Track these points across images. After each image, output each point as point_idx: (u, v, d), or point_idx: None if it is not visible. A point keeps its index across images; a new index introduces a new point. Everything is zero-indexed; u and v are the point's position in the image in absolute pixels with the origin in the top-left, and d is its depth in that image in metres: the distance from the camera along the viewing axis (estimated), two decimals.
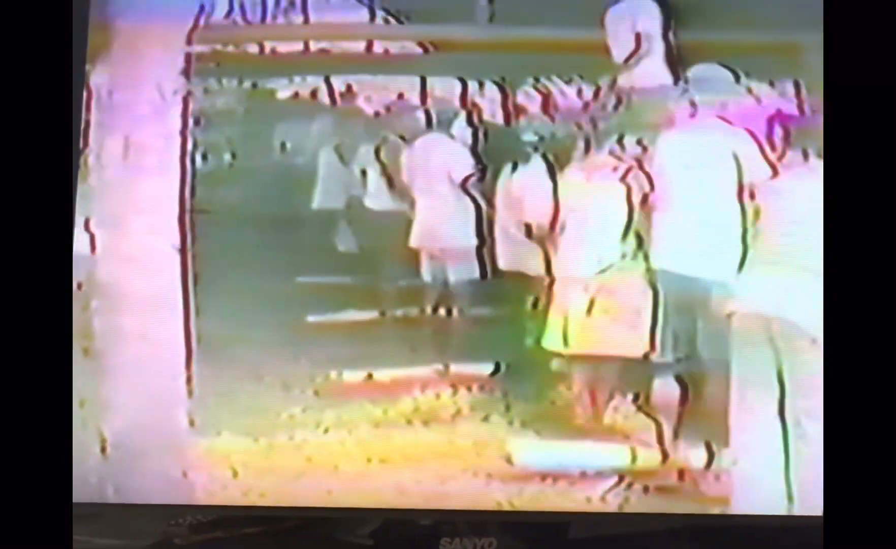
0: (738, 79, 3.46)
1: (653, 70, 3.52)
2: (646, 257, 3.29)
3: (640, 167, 3.34)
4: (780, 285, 3.09)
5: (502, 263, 3.45)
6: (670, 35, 3.44)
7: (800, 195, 3.14)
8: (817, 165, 3.20)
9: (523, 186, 3.50)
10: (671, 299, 3.24)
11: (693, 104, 3.35)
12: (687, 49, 3.49)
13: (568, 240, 3.40)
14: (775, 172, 3.21)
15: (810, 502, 3.05)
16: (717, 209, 3.19)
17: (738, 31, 3.50)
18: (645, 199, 3.30)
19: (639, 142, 3.37)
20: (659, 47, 3.51)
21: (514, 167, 3.52)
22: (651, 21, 3.52)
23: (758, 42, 3.51)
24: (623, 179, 3.34)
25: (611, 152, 3.41)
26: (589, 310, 3.31)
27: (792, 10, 3.47)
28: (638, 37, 3.52)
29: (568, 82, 3.58)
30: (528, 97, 3.70)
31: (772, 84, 3.48)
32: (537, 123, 3.59)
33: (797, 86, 3.49)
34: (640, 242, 3.29)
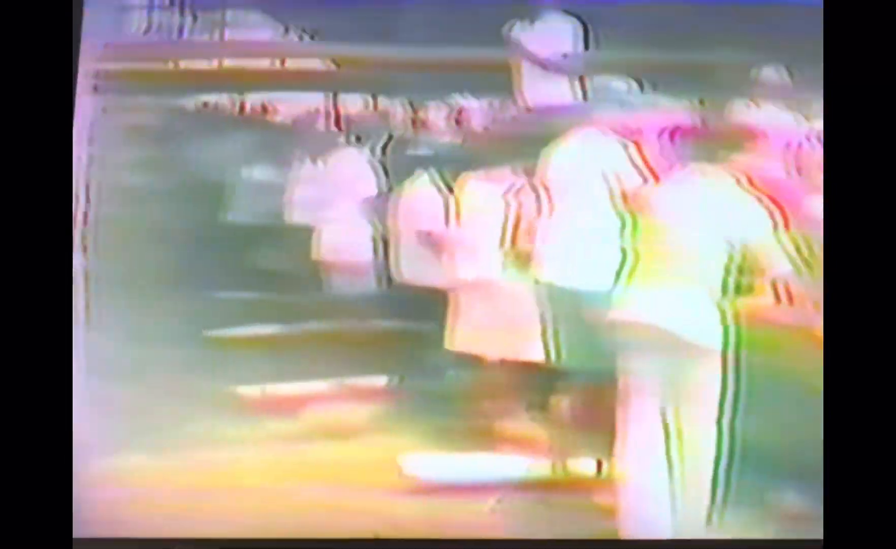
0: (642, 91, 3.44)
1: (554, 87, 3.50)
2: (533, 268, 3.24)
3: (531, 182, 3.30)
4: (659, 294, 3.02)
5: (400, 277, 3.41)
6: (578, 53, 3.43)
7: (680, 205, 3.08)
8: (705, 177, 3.14)
9: (420, 200, 3.46)
10: (558, 308, 3.18)
11: (590, 119, 3.31)
12: (594, 66, 3.47)
13: (462, 251, 3.35)
14: (657, 182, 3.16)
15: (695, 509, 2.97)
16: (600, 220, 3.13)
17: (647, 49, 3.48)
18: (537, 211, 3.27)
19: (533, 157, 3.34)
20: (564, 65, 3.49)
21: (414, 181, 3.49)
22: (560, 40, 3.49)
23: (667, 61, 3.49)
24: (514, 194, 3.30)
25: (508, 167, 3.38)
26: (480, 319, 3.26)
27: (704, 29, 3.46)
28: (541, 54, 3.50)
29: (471, 99, 3.58)
30: (435, 113, 3.69)
31: (677, 98, 3.45)
32: (439, 138, 3.57)
33: (701, 102, 3.48)
34: (528, 253, 3.25)
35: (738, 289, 2.97)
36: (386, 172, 3.61)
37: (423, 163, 3.52)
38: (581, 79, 3.54)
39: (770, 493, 3.05)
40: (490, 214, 3.30)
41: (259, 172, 3.67)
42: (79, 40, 3.38)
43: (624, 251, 3.05)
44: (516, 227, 3.26)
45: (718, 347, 2.92)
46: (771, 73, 3.41)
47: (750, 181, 3.01)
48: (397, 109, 3.71)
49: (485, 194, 3.31)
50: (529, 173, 3.30)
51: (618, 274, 3.04)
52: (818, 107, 3.45)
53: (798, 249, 3.00)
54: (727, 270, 2.95)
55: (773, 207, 2.99)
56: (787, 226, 2.96)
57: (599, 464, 3.06)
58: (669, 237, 3.00)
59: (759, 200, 3.00)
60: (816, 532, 2.79)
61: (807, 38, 3.38)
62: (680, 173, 3.08)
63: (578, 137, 3.22)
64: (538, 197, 3.24)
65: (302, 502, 3.04)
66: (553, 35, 3.56)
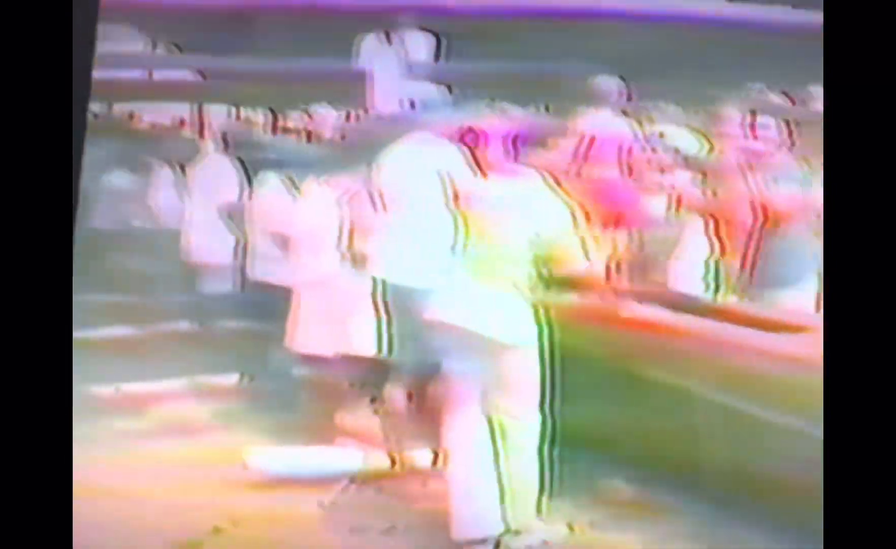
0: (492, 102, 3.52)
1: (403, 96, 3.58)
2: (367, 266, 3.30)
3: (368, 186, 3.36)
4: (476, 296, 3.06)
5: (253, 277, 3.46)
6: (429, 64, 3.51)
7: (499, 205, 3.14)
8: (522, 178, 3.21)
9: (273, 203, 3.52)
10: (392, 305, 3.23)
11: (429, 125, 3.38)
12: (445, 76, 3.55)
13: (306, 251, 3.41)
14: (487, 183, 3.21)
15: (524, 499, 3.02)
16: (433, 220, 3.18)
17: (497, 61, 3.57)
18: (373, 212, 3.33)
19: (373, 163, 3.40)
20: (417, 73, 3.57)
21: (268, 186, 3.56)
22: (414, 52, 3.58)
23: (515, 72, 3.59)
24: (351, 196, 3.36)
25: (346, 172, 3.45)
26: (319, 317, 3.31)
27: (549, 43, 3.57)
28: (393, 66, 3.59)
29: (328, 108, 3.66)
30: (292, 121, 3.76)
31: (523, 107, 3.54)
32: (295, 145, 3.64)
33: (547, 108, 3.57)
34: (363, 252, 3.31)
35: (549, 284, 3.03)
36: (247, 178, 3.66)
37: (278, 168, 3.57)
38: (440, 87, 3.60)
39: (599, 479, 3.10)
40: (329, 216, 3.34)
41: (119, 179, 3.72)
42: None
43: (453, 251, 3.10)
44: (353, 228, 3.31)
45: (534, 342, 2.96)
46: (608, 83, 3.50)
47: (557, 182, 3.08)
48: (258, 118, 3.77)
49: (324, 198, 3.36)
50: (366, 180, 3.36)
51: (445, 272, 3.08)
52: (655, 113, 3.57)
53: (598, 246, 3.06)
54: (538, 266, 3.00)
55: (573, 205, 3.05)
56: (588, 222, 3.01)
57: (436, 455, 3.10)
58: (490, 236, 3.04)
59: (566, 199, 3.05)
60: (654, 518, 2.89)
61: (641, 49, 3.50)
62: (504, 175, 3.13)
63: (413, 141, 3.28)
64: (373, 199, 3.29)
65: (146, 497, 3.04)
66: (407, 47, 3.63)
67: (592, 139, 3.42)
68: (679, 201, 3.46)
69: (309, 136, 3.70)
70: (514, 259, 2.94)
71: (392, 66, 3.67)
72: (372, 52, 3.63)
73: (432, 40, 3.64)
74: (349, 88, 3.65)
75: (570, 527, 3.02)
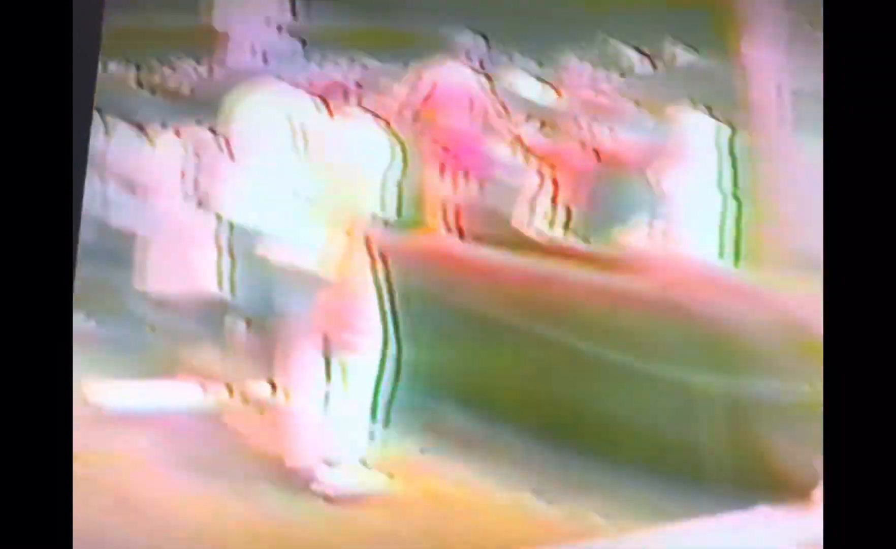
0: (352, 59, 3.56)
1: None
2: (212, 207, 3.32)
3: (214, 132, 3.38)
4: (316, 234, 3.09)
5: (113, 221, 3.46)
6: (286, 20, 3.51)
7: (340, 146, 3.17)
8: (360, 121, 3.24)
9: (127, 150, 3.53)
10: (235, 246, 3.24)
11: (280, 77, 3.40)
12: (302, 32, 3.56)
13: (154, 195, 3.42)
14: (332, 126, 3.23)
15: (356, 428, 3.01)
16: (278, 166, 3.20)
17: (356, 18, 3.61)
18: (217, 156, 3.34)
19: (221, 111, 3.43)
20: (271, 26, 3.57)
21: (117, 135, 3.56)
22: (268, 6, 3.60)
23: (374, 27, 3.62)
24: (197, 144, 3.39)
25: (197, 121, 3.47)
26: (167, 257, 3.31)
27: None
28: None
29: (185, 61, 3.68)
30: (150, 75, 3.77)
31: (382, 63, 3.57)
32: (146, 96, 3.66)
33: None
34: (208, 195, 3.32)
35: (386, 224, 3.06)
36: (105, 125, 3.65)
37: (140, 117, 3.58)
38: (294, 41, 3.60)
39: (433, 412, 3.10)
40: (176, 161, 3.36)
41: None
42: None
43: (295, 192, 3.12)
44: (199, 171, 3.33)
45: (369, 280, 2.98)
46: (460, 36, 3.54)
47: (388, 124, 3.12)
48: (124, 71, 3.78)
49: (172, 144, 3.38)
50: (212, 128, 3.39)
51: (289, 215, 3.10)
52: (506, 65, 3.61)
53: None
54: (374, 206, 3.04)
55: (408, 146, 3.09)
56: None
57: (273, 386, 3.09)
58: (333, 175, 3.07)
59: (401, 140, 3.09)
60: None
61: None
62: (345, 118, 3.16)
63: (263, 89, 3.30)
64: (221, 145, 3.31)
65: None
66: (261, 3, 3.64)
67: (434, 84, 3.46)
68: (522, 148, 3.49)
69: (166, 89, 3.71)
70: (351, 200, 2.98)
71: (248, 20, 3.66)
72: (228, 6, 3.63)
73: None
74: (210, 43, 3.65)
75: (390, 475, 2.99)
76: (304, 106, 3.24)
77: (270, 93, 3.30)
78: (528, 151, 3.50)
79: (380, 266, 3.05)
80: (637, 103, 3.55)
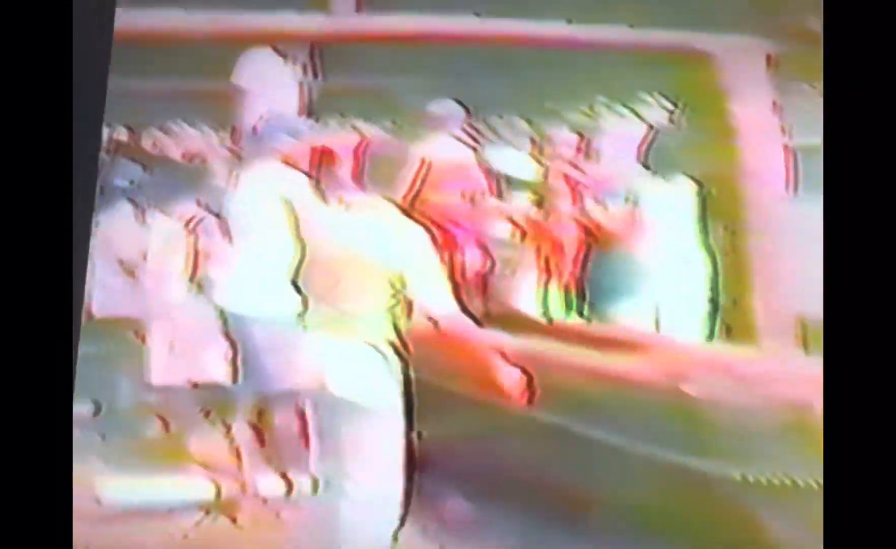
0: (343, 117, 3.38)
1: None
2: (211, 296, 3.15)
3: (215, 214, 3.20)
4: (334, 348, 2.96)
5: (96, 308, 3.25)
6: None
7: (348, 235, 3.02)
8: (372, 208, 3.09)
9: (114, 228, 3.31)
10: (236, 334, 3.09)
11: (271, 149, 3.21)
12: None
13: (154, 282, 3.22)
14: (335, 212, 3.08)
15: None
16: (275, 251, 3.04)
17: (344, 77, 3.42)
18: (217, 239, 3.17)
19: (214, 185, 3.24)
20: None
21: (105, 210, 3.35)
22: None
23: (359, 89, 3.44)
24: (192, 227, 3.19)
25: (197, 201, 3.26)
26: (171, 347, 3.14)
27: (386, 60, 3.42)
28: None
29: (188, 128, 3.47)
30: (149, 140, 3.54)
31: (371, 122, 3.41)
32: (146, 166, 3.43)
33: (394, 123, 3.44)
34: (209, 280, 3.16)
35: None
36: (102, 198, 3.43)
37: (126, 193, 3.36)
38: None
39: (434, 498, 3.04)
40: (176, 245, 3.15)
41: None
42: None
43: (296, 285, 2.96)
44: (199, 256, 3.15)
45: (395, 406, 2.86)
46: (446, 106, 3.37)
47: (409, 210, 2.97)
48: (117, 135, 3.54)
49: (169, 226, 3.17)
50: (208, 208, 3.19)
51: (287, 302, 2.95)
52: (493, 133, 3.46)
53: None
54: (393, 301, 2.91)
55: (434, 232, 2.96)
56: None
57: (290, 484, 2.97)
58: (339, 268, 2.92)
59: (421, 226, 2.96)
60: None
61: (479, 68, 3.38)
62: (352, 201, 3.00)
63: (258, 168, 3.11)
64: (220, 226, 3.13)
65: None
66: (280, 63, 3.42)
67: (430, 165, 3.31)
68: (516, 227, 3.37)
69: (165, 160, 3.49)
70: (371, 298, 2.83)
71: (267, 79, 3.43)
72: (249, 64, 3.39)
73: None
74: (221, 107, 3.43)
75: None
76: (301, 185, 3.08)
77: (268, 171, 3.12)
78: (518, 228, 3.37)
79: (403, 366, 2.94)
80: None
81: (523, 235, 3.35)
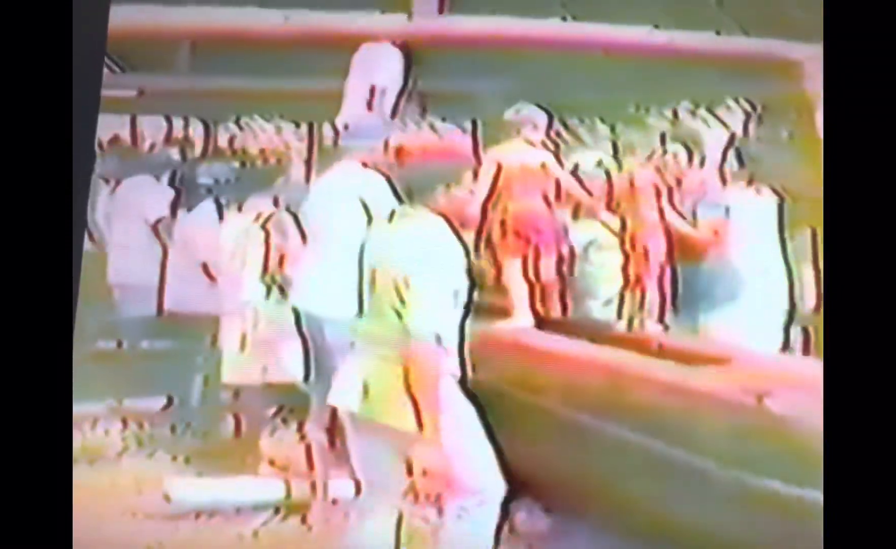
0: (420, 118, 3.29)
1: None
2: (286, 295, 3.06)
3: (290, 211, 3.11)
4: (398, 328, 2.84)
5: (170, 303, 3.19)
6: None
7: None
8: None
9: (195, 228, 3.24)
10: (314, 334, 2.99)
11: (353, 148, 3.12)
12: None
13: (229, 280, 3.14)
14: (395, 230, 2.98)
15: None
16: (352, 252, 2.94)
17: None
18: (292, 238, 3.09)
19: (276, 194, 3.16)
20: None
21: (190, 209, 3.28)
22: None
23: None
24: (264, 223, 3.11)
25: (274, 200, 3.18)
26: (242, 344, 3.06)
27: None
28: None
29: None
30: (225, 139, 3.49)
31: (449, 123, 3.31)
32: (218, 166, 3.38)
33: (474, 124, 3.34)
34: (285, 280, 3.07)
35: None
36: (178, 196, 3.38)
37: (209, 190, 3.30)
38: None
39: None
40: (251, 243, 3.07)
41: None
42: None
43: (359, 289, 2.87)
44: (272, 255, 3.06)
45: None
46: (527, 111, 3.25)
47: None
48: (194, 134, 3.49)
49: (244, 224, 3.09)
50: (288, 206, 3.10)
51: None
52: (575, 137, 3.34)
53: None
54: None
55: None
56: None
57: (358, 485, 2.87)
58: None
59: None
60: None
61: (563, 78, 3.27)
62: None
63: (338, 168, 3.01)
64: (296, 226, 3.04)
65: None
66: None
67: (499, 166, 3.18)
68: (602, 227, 3.24)
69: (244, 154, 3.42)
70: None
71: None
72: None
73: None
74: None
75: None
76: (382, 189, 2.97)
77: (348, 172, 3.02)
78: (602, 237, 3.24)
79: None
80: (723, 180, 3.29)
81: (606, 242, 3.22)
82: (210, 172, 3.35)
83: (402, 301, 2.81)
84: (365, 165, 3.02)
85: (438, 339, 2.82)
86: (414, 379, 2.81)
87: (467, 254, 2.91)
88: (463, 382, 2.84)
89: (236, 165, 3.42)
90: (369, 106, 3.22)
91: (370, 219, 2.93)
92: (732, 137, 3.32)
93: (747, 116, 3.32)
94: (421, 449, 2.76)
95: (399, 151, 3.19)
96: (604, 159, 3.29)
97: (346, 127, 3.21)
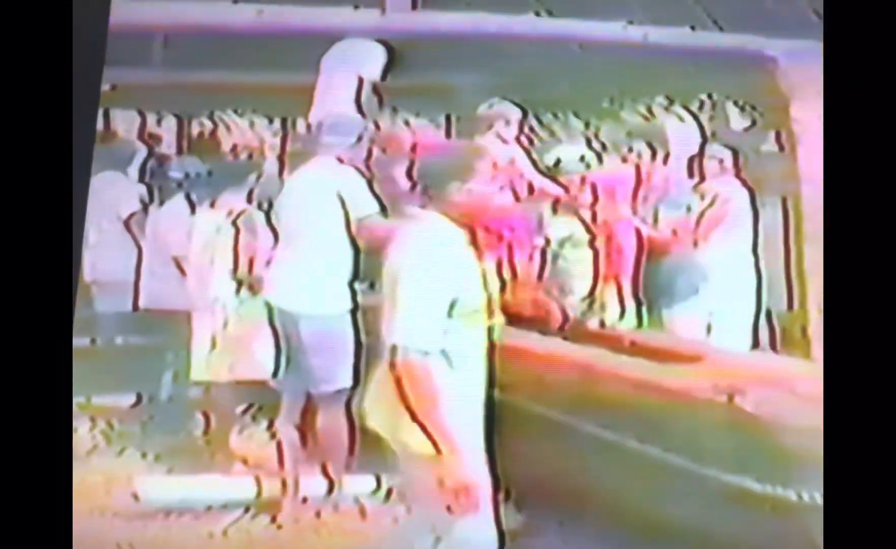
0: (394, 113, 3.23)
1: None
2: (256, 292, 2.99)
3: (261, 208, 3.04)
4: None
5: (144, 300, 3.12)
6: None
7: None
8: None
9: (167, 222, 3.18)
10: (287, 331, 2.92)
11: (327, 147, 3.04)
12: None
13: (199, 276, 3.07)
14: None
15: None
16: (331, 247, 2.87)
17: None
18: (262, 235, 3.02)
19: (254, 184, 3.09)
20: None
21: (161, 204, 3.21)
22: None
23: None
24: (235, 220, 3.04)
25: (248, 196, 3.11)
26: (213, 342, 2.99)
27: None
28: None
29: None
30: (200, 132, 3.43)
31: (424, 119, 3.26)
32: (190, 160, 3.31)
33: (448, 119, 3.28)
34: (256, 277, 3.00)
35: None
36: (150, 192, 3.31)
37: (180, 184, 3.23)
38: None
39: None
40: (221, 240, 3.01)
41: None
42: None
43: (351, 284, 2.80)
44: (244, 252, 2.99)
45: None
46: (502, 108, 3.19)
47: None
48: (167, 128, 3.43)
49: (217, 221, 3.02)
50: (260, 203, 3.03)
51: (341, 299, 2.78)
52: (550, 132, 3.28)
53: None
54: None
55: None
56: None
57: (378, 480, 2.80)
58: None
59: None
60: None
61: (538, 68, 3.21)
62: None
63: (316, 164, 2.95)
64: (267, 222, 2.97)
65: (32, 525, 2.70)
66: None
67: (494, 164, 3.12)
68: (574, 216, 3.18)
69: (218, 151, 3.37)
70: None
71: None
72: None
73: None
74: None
75: None
76: (359, 186, 2.89)
77: (321, 169, 2.95)
78: (577, 230, 3.17)
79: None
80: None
81: (580, 238, 3.17)
82: (182, 166, 3.28)
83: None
84: (341, 160, 2.94)
85: None
86: None
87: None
88: None
89: (208, 159, 3.36)
90: (357, 101, 3.16)
91: (347, 214, 2.86)
92: (704, 132, 3.27)
93: (724, 113, 3.28)
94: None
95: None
96: (586, 155, 3.24)
97: (321, 119, 3.14)
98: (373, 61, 3.22)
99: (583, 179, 3.24)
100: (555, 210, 3.19)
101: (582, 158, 3.23)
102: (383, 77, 3.24)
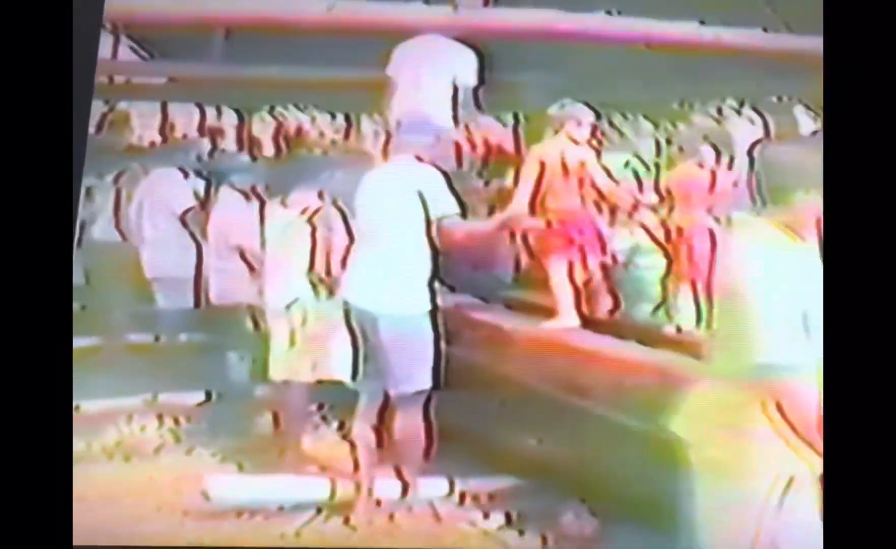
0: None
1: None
2: (338, 291, 2.88)
3: (338, 205, 2.93)
4: None
5: (214, 296, 3.01)
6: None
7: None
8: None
9: (229, 218, 3.07)
10: (366, 331, 2.80)
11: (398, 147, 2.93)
12: None
13: (269, 273, 2.96)
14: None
15: None
16: (409, 248, 2.76)
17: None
18: (344, 234, 2.91)
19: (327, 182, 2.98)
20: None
21: (222, 199, 3.11)
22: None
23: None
24: (310, 217, 2.93)
25: (319, 193, 2.99)
26: (292, 340, 2.87)
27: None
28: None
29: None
30: (262, 129, 3.32)
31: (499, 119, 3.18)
32: (260, 155, 3.21)
33: (516, 118, 3.18)
34: (334, 276, 2.89)
35: None
36: (207, 187, 3.20)
37: (242, 179, 3.12)
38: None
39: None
40: (297, 238, 2.89)
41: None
42: None
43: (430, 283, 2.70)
44: (320, 250, 2.88)
45: None
46: (573, 109, 3.07)
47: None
48: (226, 123, 3.32)
49: (289, 218, 2.91)
50: (334, 199, 2.92)
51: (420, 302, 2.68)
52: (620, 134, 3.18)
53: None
54: None
55: None
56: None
57: (451, 483, 2.70)
58: None
59: None
60: None
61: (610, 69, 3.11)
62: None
63: (395, 163, 2.84)
64: (344, 221, 2.86)
65: (100, 522, 2.59)
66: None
67: (542, 164, 3.00)
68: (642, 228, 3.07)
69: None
70: None
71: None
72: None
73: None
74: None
75: None
76: (439, 185, 2.79)
77: (404, 168, 2.84)
78: (649, 235, 3.06)
79: None
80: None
81: (655, 242, 3.06)
82: (241, 161, 3.18)
83: None
84: (420, 159, 2.83)
85: None
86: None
87: None
88: None
89: (268, 155, 3.26)
90: (454, 107, 3.07)
91: (427, 213, 2.75)
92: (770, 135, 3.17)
93: (793, 114, 3.18)
94: None
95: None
96: (630, 161, 3.14)
97: (402, 118, 3.03)
98: (468, 67, 3.13)
99: (655, 183, 3.13)
100: (612, 221, 3.09)
101: (626, 164, 3.14)
102: (480, 82, 3.15)
